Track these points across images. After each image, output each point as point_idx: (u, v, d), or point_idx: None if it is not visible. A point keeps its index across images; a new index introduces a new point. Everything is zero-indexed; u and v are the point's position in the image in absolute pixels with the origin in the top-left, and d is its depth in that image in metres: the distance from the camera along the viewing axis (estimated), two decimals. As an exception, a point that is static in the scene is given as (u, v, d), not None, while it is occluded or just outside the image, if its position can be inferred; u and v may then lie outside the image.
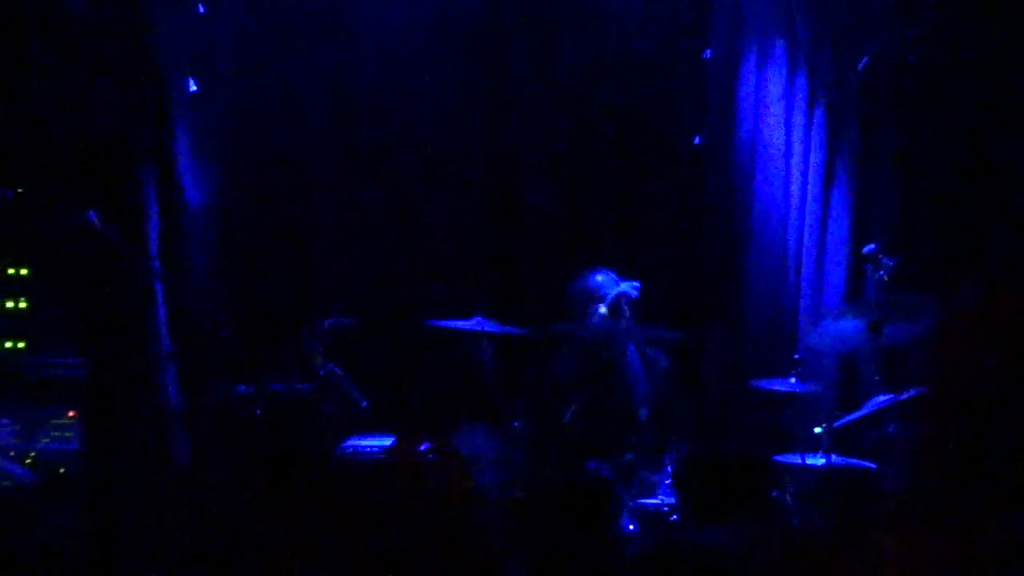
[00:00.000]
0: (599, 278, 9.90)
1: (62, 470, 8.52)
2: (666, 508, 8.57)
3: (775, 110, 10.93)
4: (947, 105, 9.92)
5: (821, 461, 8.90)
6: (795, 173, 10.86)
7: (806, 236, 10.75)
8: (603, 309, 9.78)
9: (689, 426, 9.21)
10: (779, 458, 8.96)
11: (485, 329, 9.73)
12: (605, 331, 9.76)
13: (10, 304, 8.83)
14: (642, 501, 8.69)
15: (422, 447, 8.52)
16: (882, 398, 9.16)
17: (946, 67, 9.92)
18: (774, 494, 8.65)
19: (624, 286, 9.77)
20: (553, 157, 11.00)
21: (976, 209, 9.69)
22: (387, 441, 8.89)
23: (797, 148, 10.84)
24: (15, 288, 8.79)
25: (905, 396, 9.00)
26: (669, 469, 8.81)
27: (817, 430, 9.18)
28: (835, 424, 9.19)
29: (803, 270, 10.73)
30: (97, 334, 9.14)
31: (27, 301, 8.85)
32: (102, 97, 9.38)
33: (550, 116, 10.94)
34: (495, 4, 10.66)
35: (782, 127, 10.88)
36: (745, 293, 10.84)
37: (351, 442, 9.04)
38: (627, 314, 9.77)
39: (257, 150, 10.53)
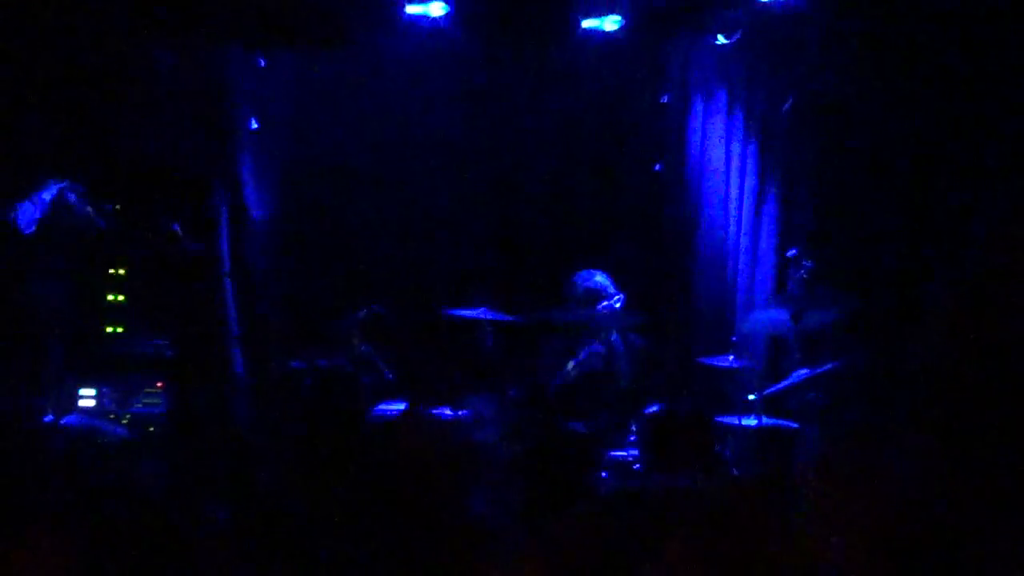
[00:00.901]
0: (598, 278, 9.95)
1: (151, 428, 8.59)
2: (632, 459, 8.62)
3: (717, 143, 11.01)
4: (855, 136, 9.94)
5: (754, 422, 8.96)
6: (733, 192, 10.92)
7: (742, 243, 10.80)
8: (610, 305, 9.85)
9: (654, 394, 9.15)
10: (720, 419, 9.01)
11: (488, 317, 9.75)
12: (594, 319, 9.85)
13: (112, 297, 8.89)
14: (613, 453, 8.74)
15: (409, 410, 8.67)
16: (802, 371, 9.28)
17: (853, 106, 9.91)
18: (716, 448, 8.75)
19: (615, 299, 9.81)
20: (543, 181, 11.04)
21: (880, 221, 9.68)
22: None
23: (735, 172, 10.90)
24: (116, 285, 8.85)
25: (821, 370, 9.14)
26: (635, 427, 8.87)
27: (751, 397, 9.25)
28: (764, 392, 9.25)
29: (739, 270, 10.80)
30: (180, 321, 9.23)
31: (125, 295, 8.91)
32: (184, 133, 9.47)
33: (541, 149, 11.00)
34: (497, 67, 10.63)
35: (723, 156, 10.95)
36: (694, 288, 10.93)
37: (380, 407, 9.07)
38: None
39: (305, 174, 10.55)
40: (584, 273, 10.02)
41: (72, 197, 8.77)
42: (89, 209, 8.79)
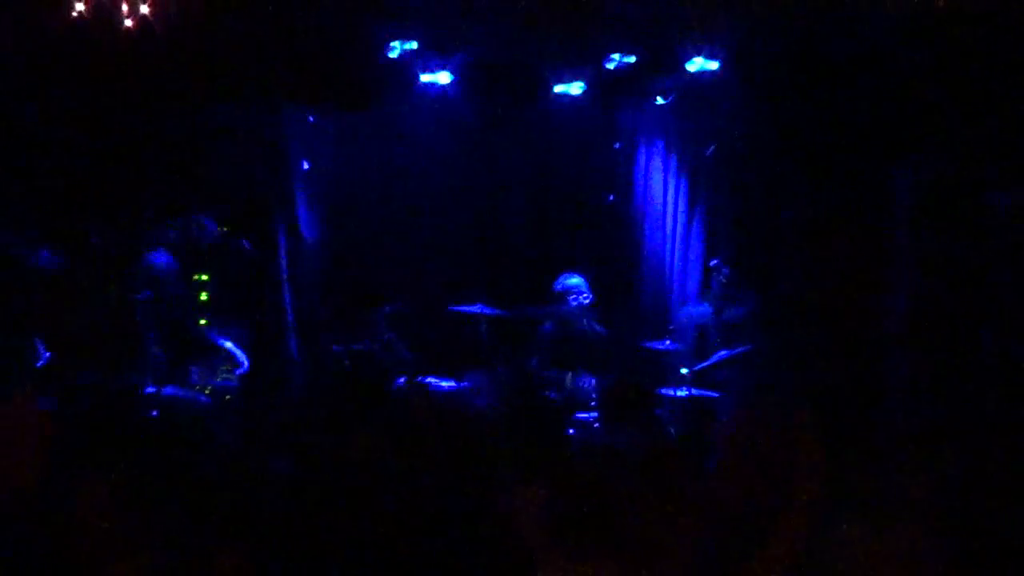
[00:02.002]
0: (574, 280, 9.95)
1: (227, 397, 8.62)
2: (592, 420, 8.63)
3: (657, 179, 10.99)
4: (759, 173, 10.09)
5: (684, 392, 9.08)
6: (669, 217, 10.92)
7: (676, 254, 10.82)
8: (578, 300, 9.90)
9: (609, 370, 9.23)
10: (660, 390, 9.08)
11: (483, 312, 9.75)
12: (567, 312, 9.90)
13: (202, 296, 8.91)
14: (578, 415, 8.79)
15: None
16: (722, 353, 9.47)
17: (757, 150, 10.08)
18: (656, 412, 8.62)
19: (583, 297, 9.89)
20: (525, 207, 11.03)
21: (778, 237, 9.87)
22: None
23: (670, 201, 10.90)
24: (202, 287, 8.87)
25: (735, 352, 9.38)
26: (595, 395, 8.96)
27: (683, 372, 9.42)
28: (693, 369, 9.44)
29: (674, 276, 10.80)
30: (249, 314, 9.30)
31: (207, 295, 8.92)
32: (252, 173, 9.55)
33: (523, 183, 10.99)
34: (490, 120, 10.57)
35: (661, 189, 10.95)
36: (639, 289, 10.90)
37: (401, 381, 9.10)
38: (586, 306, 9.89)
39: (343, 204, 10.53)
40: (564, 275, 10.03)
41: (205, 222, 8.94)
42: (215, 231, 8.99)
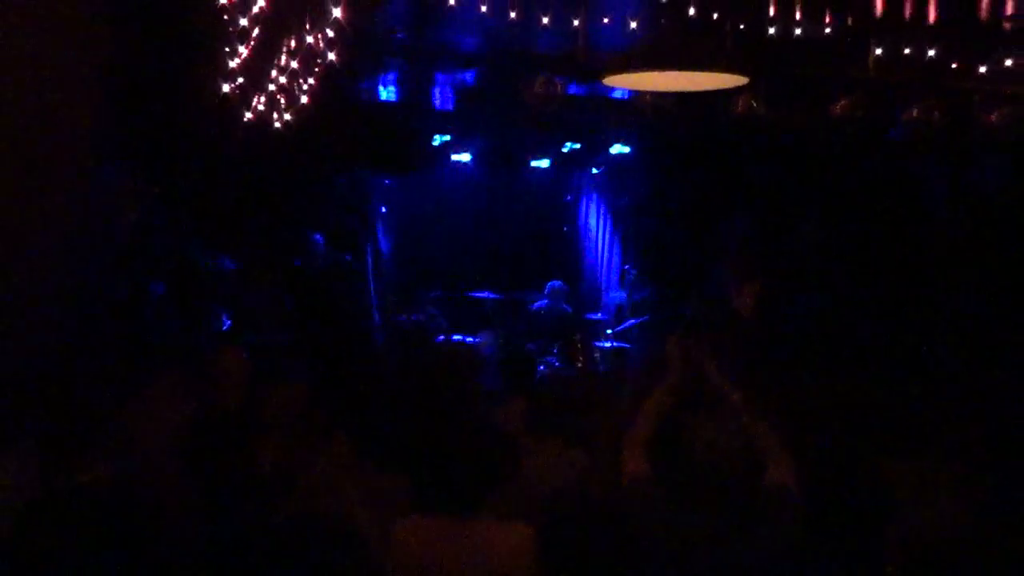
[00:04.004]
0: (557, 284, 9.97)
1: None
2: (556, 363, 8.57)
3: (593, 218, 11.15)
4: (653, 215, 10.16)
5: (608, 344, 9.20)
6: (599, 240, 11.07)
7: (603, 262, 10.97)
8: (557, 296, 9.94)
9: (566, 332, 9.21)
10: (595, 343, 9.13)
11: (489, 296, 9.85)
12: (546, 296, 9.96)
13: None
14: (548, 360, 8.69)
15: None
16: (631, 321, 9.49)
17: (653, 202, 10.15)
18: (593, 355, 8.83)
19: (559, 290, 9.94)
20: (515, 233, 10.87)
21: (665, 254, 9.88)
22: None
23: (601, 232, 11.06)
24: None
25: (639, 320, 9.39)
26: (555, 350, 8.88)
27: (608, 332, 9.58)
28: (614, 330, 9.56)
29: (602, 274, 10.96)
30: (352, 298, 9.21)
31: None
32: (351, 213, 9.61)
33: (513, 219, 10.86)
34: (493, 180, 10.56)
35: (595, 224, 11.11)
36: (582, 282, 10.98)
37: (440, 338, 9.10)
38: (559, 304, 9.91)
39: (404, 231, 10.49)
40: (552, 281, 10.04)
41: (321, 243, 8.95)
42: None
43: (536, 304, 10.02)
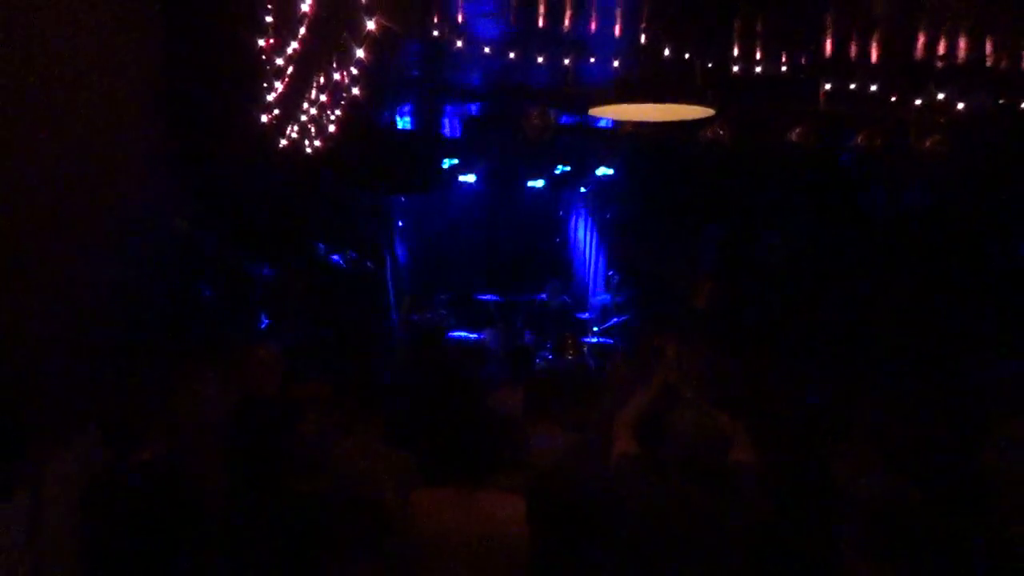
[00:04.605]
0: (556, 282, 10.02)
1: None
2: (550, 356, 8.51)
3: (582, 230, 11.09)
4: (634, 228, 10.09)
5: (595, 340, 9.14)
6: (587, 250, 10.98)
7: (591, 269, 10.90)
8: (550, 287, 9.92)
9: (561, 329, 9.18)
10: (583, 339, 9.08)
11: (493, 299, 9.83)
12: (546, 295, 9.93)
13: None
14: (543, 353, 8.67)
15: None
16: (614, 319, 9.44)
17: (634, 219, 10.11)
18: (582, 349, 8.76)
19: (558, 290, 9.93)
20: (517, 243, 10.84)
21: (640, 262, 9.81)
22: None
23: (588, 243, 10.98)
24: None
25: (622, 319, 9.34)
26: (549, 344, 8.91)
27: (594, 329, 9.51)
28: (600, 328, 9.49)
29: (590, 279, 10.88)
30: (373, 299, 9.19)
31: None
32: (372, 228, 9.49)
33: (514, 230, 10.85)
34: (495, 198, 10.53)
35: (584, 236, 11.04)
36: (573, 286, 10.92)
37: (451, 334, 9.04)
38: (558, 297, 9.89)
39: (419, 242, 10.45)
40: (551, 279, 10.07)
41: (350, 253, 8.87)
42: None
43: (540, 296, 10.03)
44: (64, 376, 2.66)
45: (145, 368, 3.67)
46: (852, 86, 6.98)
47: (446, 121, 8.56)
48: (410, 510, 2.80)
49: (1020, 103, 7.24)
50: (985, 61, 6.30)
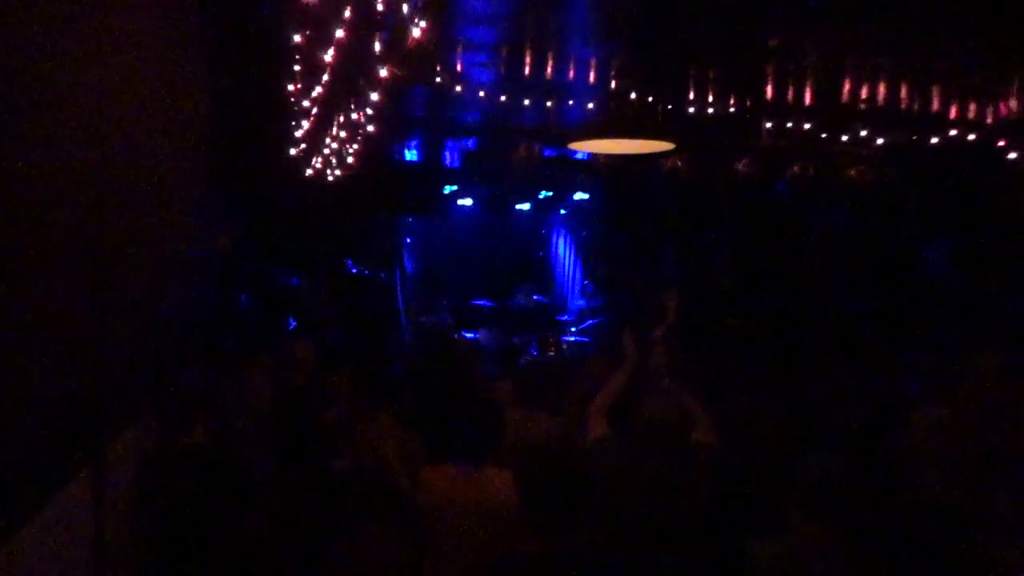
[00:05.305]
0: (534, 290, 9.92)
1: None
2: (534, 354, 8.22)
3: (562, 245, 10.98)
4: (607, 244, 10.02)
5: (573, 338, 8.89)
6: (566, 263, 10.91)
7: (569, 279, 10.80)
8: (535, 297, 9.84)
9: (542, 330, 8.94)
10: (563, 338, 8.76)
11: (485, 304, 9.71)
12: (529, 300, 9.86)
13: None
14: (531, 351, 8.35)
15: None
16: (590, 322, 9.28)
17: (606, 236, 10.01)
18: (562, 347, 8.41)
19: (533, 295, 9.83)
20: (507, 255, 10.70)
21: (614, 271, 9.61)
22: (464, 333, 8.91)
23: (567, 255, 10.89)
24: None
25: (596, 321, 9.18)
26: (534, 342, 8.54)
27: (572, 329, 9.36)
28: (577, 328, 9.34)
29: (567, 288, 10.79)
30: (385, 305, 9.07)
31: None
32: (387, 243, 9.47)
33: (504, 244, 10.72)
34: (489, 218, 10.40)
35: (563, 250, 10.95)
36: (555, 293, 10.85)
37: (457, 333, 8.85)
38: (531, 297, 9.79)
39: (424, 255, 10.35)
40: (520, 284, 9.95)
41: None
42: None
43: (513, 301, 9.87)
44: (127, 371, 2.63)
45: (194, 363, 3.62)
46: (789, 124, 7.10)
47: (447, 154, 8.53)
48: (420, 483, 2.79)
49: (930, 139, 7.33)
50: (900, 104, 6.40)
